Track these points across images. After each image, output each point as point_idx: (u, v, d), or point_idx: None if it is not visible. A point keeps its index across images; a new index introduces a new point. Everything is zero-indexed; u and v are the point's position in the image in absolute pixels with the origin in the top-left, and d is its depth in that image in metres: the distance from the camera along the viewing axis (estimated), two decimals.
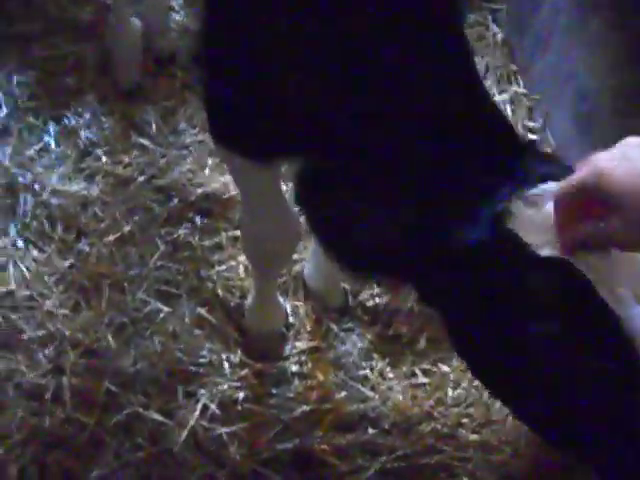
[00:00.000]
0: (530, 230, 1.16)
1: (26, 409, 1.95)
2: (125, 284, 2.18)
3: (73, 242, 2.25)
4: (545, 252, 1.13)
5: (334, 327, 2.16)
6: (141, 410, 1.97)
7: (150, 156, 2.42)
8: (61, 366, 2.02)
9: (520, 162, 1.25)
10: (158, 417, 1.96)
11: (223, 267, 2.23)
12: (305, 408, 2.01)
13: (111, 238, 2.26)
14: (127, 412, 1.97)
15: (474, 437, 1.97)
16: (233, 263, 2.23)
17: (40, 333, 2.07)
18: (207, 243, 2.27)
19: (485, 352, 1.16)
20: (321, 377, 2.08)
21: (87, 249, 2.24)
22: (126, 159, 2.41)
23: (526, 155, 1.29)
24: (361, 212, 1.25)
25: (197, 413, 1.97)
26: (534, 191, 1.19)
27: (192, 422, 1.95)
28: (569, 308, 1.07)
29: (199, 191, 2.35)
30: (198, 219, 2.31)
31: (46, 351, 2.04)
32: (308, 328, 2.16)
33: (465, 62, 1.32)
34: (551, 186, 1.19)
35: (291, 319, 2.17)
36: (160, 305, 2.15)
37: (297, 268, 2.21)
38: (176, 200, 2.34)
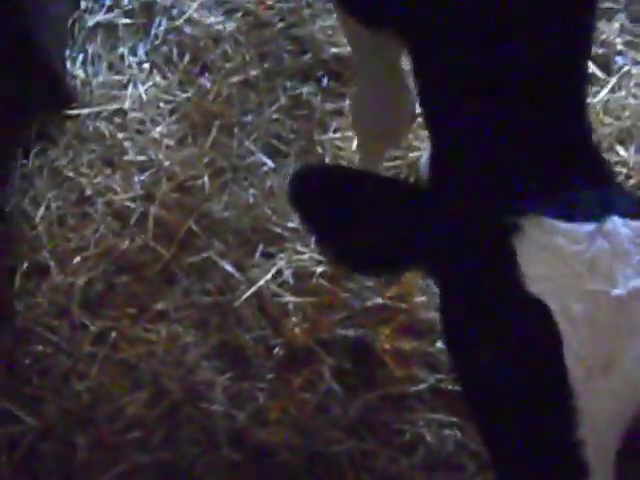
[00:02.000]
0: (549, 259, 1.00)
1: (108, 227, 1.97)
2: (235, 129, 2.10)
3: (196, 75, 2.19)
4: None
5: None
6: (217, 257, 1.93)
7: (295, 3, 2.28)
8: (152, 194, 2.01)
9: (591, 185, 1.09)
10: (230, 268, 1.92)
11: (338, 135, 2.09)
12: (379, 301, 1.89)
13: (234, 79, 2.17)
14: (204, 256, 1.94)
15: None
16: (349, 133, 2.08)
17: (140, 158, 2.06)
18: (328, 107, 2.13)
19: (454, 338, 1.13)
20: (405, 275, 1.94)
21: (208, 85, 2.17)
22: (270, 1, 2.28)
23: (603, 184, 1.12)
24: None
25: (269, 276, 1.91)
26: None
27: (262, 282, 1.90)
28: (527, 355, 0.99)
29: (334, 50, 2.19)
30: (325, 80, 2.17)
31: (142, 177, 2.04)
32: None
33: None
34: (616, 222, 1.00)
35: None
36: (264, 158, 2.06)
37: (413, 155, 2.04)
38: (309, 55, 2.20)
